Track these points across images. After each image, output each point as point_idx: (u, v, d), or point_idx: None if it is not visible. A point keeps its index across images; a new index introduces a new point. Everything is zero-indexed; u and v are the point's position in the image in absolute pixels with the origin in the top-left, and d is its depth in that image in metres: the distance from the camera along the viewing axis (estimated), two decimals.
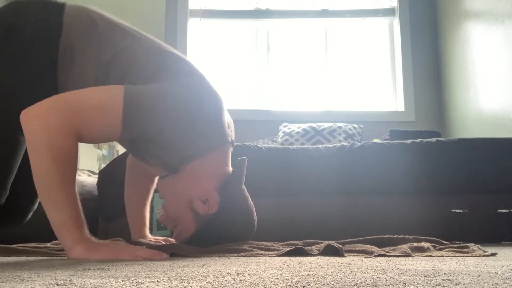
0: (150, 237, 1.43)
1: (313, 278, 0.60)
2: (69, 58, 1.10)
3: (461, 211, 1.70)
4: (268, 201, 1.72)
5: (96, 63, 1.11)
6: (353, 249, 1.13)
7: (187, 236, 1.17)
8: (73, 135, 0.99)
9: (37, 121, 0.97)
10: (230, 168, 1.19)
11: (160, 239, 1.42)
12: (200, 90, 1.09)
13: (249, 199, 1.21)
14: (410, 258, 0.99)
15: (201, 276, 0.63)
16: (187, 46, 3.65)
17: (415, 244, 1.16)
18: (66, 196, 0.96)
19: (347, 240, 1.26)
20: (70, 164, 0.98)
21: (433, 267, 0.76)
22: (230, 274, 0.65)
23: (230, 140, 1.18)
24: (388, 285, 0.53)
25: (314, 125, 3.03)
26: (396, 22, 3.75)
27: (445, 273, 0.66)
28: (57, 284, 0.54)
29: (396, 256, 1.03)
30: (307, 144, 2.76)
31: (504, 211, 1.68)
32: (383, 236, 1.26)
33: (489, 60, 2.82)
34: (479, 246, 1.18)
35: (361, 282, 0.56)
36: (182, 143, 1.09)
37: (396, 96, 3.69)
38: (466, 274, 0.65)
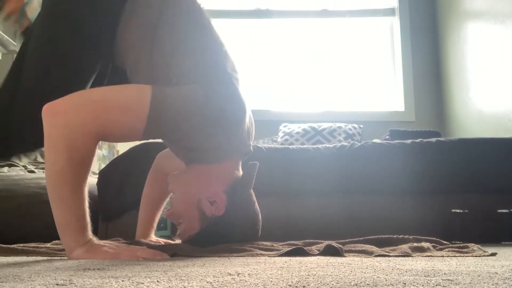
0: (152, 238, 1.44)
1: (313, 278, 0.60)
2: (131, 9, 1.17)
3: (461, 211, 1.70)
4: (268, 201, 1.72)
5: (147, 25, 1.16)
6: (353, 249, 1.13)
7: (190, 235, 1.17)
8: (94, 137, 0.99)
9: (60, 118, 0.97)
10: (241, 172, 1.19)
11: (161, 240, 1.42)
12: (226, 100, 1.09)
13: (256, 204, 1.21)
14: (410, 258, 0.99)
15: (201, 276, 0.63)
16: None
17: (415, 244, 1.15)
18: (75, 197, 0.97)
19: (347, 240, 1.26)
20: (85, 166, 0.99)
21: (433, 267, 0.76)
22: (230, 274, 0.65)
23: (246, 151, 1.19)
24: (388, 285, 0.53)
25: (314, 125, 3.03)
26: (396, 22, 3.75)
27: (445, 273, 0.66)
28: (57, 284, 0.54)
29: (396, 256, 1.03)
30: (307, 144, 2.76)
31: (504, 211, 1.68)
32: (383, 236, 1.26)
33: (489, 60, 2.82)
34: (479, 246, 1.18)
35: (361, 282, 0.56)
36: (198, 150, 1.11)
37: (396, 96, 3.69)
38: (466, 274, 0.65)
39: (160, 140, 1.23)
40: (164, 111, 1.02)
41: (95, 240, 0.99)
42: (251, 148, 1.21)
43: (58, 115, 0.97)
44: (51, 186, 0.97)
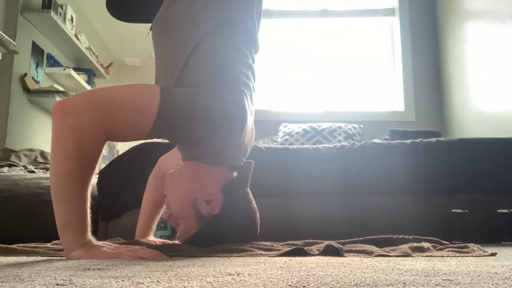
0: (150, 238, 1.44)
1: (313, 278, 0.60)
2: None
3: (461, 211, 1.70)
4: (268, 201, 1.72)
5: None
6: (353, 249, 1.13)
7: (189, 235, 1.17)
8: (103, 138, 1.01)
9: (71, 118, 0.97)
10: (235, 174, 1.19)
11: (157, 240, 1.42)
12: (229, 106, 1.10)
13: (253, 202, 1.21)
14: (410, 258, 0.99)
15: (201, 276, 0.63)
16: None
17: (415, 244, 1.16)
18: (79, 198, 0.97)
19: (347, 240, 1.26)
20: (91, 167, 0.99)
21: (433, 267, 0.76)
22: (230, 274, 0.65)
23: (236, 164, 1.19)
24: (388, 285, 0.53)
25: (314, 125, 3.03)
26: (396, 22, 3.75)
27: (445, 273, 0.66)
28: (57, 284, 0.54)
29: (396, 256, 1.03)
30: (307, 144, 2.76)
31: (504, 211, 1.68)
32: (383, 236, 1.26)
33: (489, 60, 2.82)
34: (479, 246, 1.18)
35: (361, 282, 0.56)
36: (197, 149, 1.13)
37: (396, 96, 3.69)
38: (466, 274, 0.65)
39: (160, 141, 1.24)
40: (170, 115, 1.04)
41: (94, 240, 0.99)
42: (241, 163, 1.21)
43: (69, 115, 0.97)
44: (56, 186, 0.97)
